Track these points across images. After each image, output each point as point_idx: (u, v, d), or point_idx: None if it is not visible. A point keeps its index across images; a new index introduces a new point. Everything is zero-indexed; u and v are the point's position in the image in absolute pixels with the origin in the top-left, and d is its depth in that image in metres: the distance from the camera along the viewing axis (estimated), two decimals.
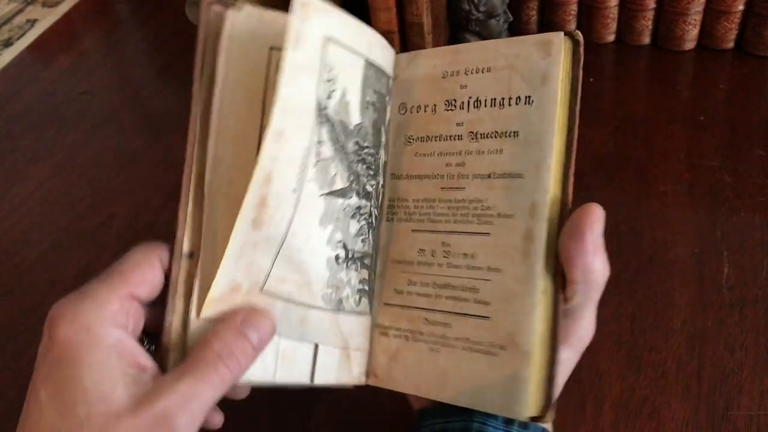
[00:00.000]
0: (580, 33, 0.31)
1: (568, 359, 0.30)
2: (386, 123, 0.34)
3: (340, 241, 0.31)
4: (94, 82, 0.74)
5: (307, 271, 0.30)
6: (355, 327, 0.33)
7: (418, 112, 0.35)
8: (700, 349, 0.41)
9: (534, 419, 0.29)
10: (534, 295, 0.29)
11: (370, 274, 0.33)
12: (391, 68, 0.35)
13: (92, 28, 0.85)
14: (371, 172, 0.33)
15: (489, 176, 0.32)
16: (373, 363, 0.33)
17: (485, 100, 0.32)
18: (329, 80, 0.29)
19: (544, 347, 0.29)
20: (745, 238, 0.46)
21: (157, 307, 0.29)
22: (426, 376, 0.32)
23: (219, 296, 0.28)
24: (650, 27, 0.62)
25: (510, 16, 0.61)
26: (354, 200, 0.32)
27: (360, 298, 0.33)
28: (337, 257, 0.31)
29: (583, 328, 0.31)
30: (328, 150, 0.30)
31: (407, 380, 0.32)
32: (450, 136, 0.33)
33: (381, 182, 0.34)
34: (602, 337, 0.41)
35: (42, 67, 0.77)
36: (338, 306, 0.32)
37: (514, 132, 0.31)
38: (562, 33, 0.31)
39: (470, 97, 0.33)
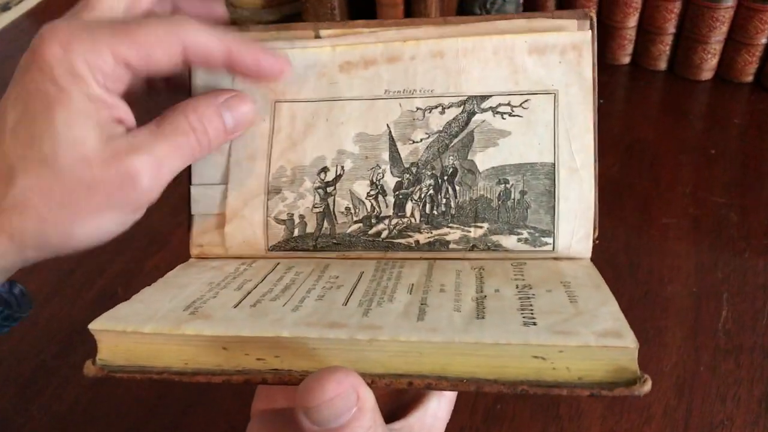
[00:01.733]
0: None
1: None
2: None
3: (341, 169, 0.30)
4: None
5: (305, 134, 0.30)
6: (254, 219, 0.30)
7: None
8: (689, 396, 0.38)
9: None
10: None
11: (313, 230, 0.30)
12: None
13: None
14: (428, 209, 0.30)
15: None
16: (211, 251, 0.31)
17: None
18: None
19: None
20: (747, 282, 0.44)
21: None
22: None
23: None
24: (667, 53, 0.59)
25: None
26: (390, 180, 0.30)
27: (285, 218, 0.30)
28: (324, 169, 0.30)
29: None
30: (437, 125, 0.29)
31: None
32: None
33: (422, 235, 0.29)
34: None
35: None
36: (273, 191, 0.30)
37: None
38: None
39: None
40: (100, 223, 0.26)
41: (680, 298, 0.43)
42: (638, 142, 0.55)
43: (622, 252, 0.46)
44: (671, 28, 0.57)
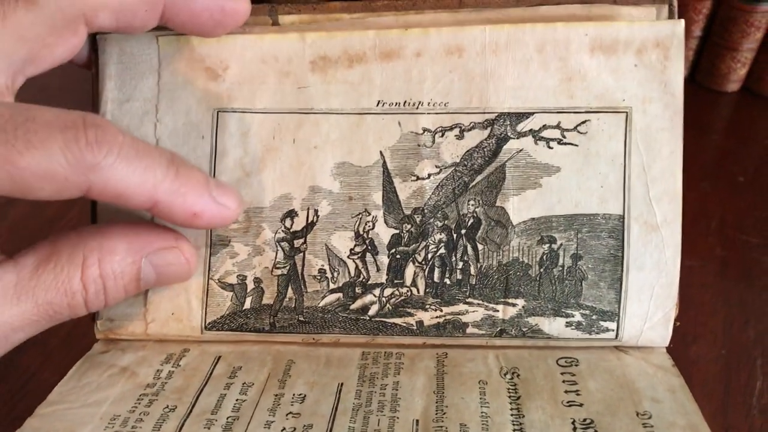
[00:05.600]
0: None
1: None
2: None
3: (315, 214, 0.23)
4: None
5: (263, 161, 0.22)
6: (190, 282, 0.23)
7: None
8: None
9: None
10: None
11: (272, 301, 0.22)
12: None
13: None
14: (436, 276, 0.22)
15: None
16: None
17: None
18: None
19: None
20: None
21: None
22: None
23: None
24: (690, 58, 0.52)
25: None
26: (383, 232, 0.22)
27: (235, 282, 0.23)
28: (290, 213, 0.22)
29: None
30: (452, 154, 0.22)
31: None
32: None
33: (427, 313, 0.22)
34: None
35: None
36: (218, 242, 0.23)
37: None
38: None
39: None
40: None
41: (706, 363, 0.36)
42: None
43: None
44: (697, 30, 0.50)
